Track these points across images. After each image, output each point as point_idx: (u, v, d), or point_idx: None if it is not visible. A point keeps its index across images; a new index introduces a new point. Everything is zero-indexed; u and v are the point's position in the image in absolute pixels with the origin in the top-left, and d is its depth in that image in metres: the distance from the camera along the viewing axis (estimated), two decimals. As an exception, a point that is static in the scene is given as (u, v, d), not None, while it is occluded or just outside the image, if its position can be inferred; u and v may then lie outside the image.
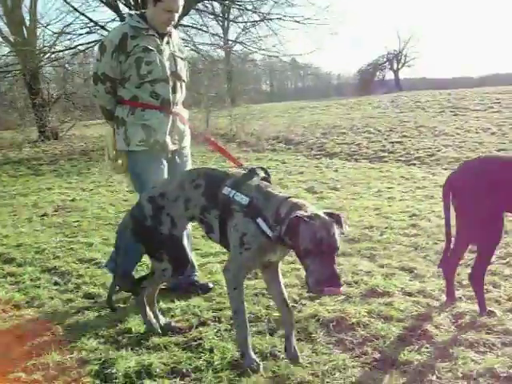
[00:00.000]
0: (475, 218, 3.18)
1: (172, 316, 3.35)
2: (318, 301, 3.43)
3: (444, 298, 3.40)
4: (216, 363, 2.73)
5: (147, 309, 3.09)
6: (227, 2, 14.79)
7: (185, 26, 15.56)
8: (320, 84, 54.33)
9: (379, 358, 2.74)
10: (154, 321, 3.11)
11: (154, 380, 2.62)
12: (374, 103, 20.27)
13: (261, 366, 2.63)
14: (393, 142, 11.11)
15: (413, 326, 3.04)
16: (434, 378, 2.53)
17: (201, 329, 3.12)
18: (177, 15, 3.64)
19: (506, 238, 4.54)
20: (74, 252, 4.84)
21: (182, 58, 3.78)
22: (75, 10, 15.76)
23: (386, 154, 10.08)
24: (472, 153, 9.59)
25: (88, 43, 16.48)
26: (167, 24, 3.62)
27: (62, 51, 17.05)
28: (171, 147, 3.67)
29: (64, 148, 14.50)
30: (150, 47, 3.55)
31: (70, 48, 16.52)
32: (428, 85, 34.88)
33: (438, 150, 10.00)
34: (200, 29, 15.81)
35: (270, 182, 2.77)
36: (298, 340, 2.90)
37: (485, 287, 3.42)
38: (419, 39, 65.41)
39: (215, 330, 3.09)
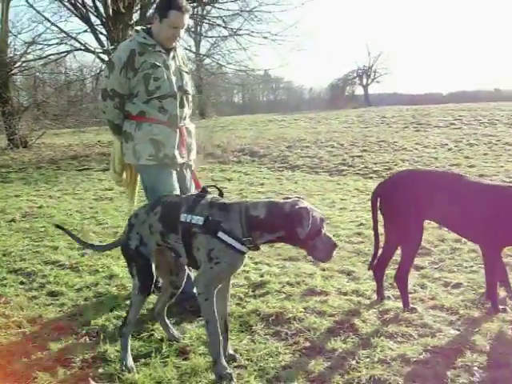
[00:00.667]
0: (398, 225, 3.60)
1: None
2: (261, 298, 3.80)
3: (375, 296, 3.79)
4: (164, 350, 3.09)
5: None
6: (198, 17, 15.11)
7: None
8: (292, 98, 54.92)
9: (309, 347, 3.12)
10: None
11: (108, 364, 2.96)
12: (341, 118, 20.81)
13: (233, 374, 2.75)
14: (353, 156, 11.57)
15: (342, 320, 3.42)
16: (353, 362, 2.91)
17: (153, 322, 3.45)
18: (182, 31, 3.70)
19: (440, 246, 4.98)
20: (40, 255, 5.11)
21: (187, 72, 3.85)
22: (47, 20, 15.99)
23: (346, 168, 10.51)
24: (425, 166, 10.08)
25: (59, 53, 16.70)
26: (173, 40, 3.67)
27: (32, 60, 17.21)
28: (180, 161, 3.73)
29: (33, 156, 14.61)
30: (158, 63, 3.59)
31: (41, 57, 16.70)
32: (399, 100, 35.58)
33: (395, 165, 10.47)
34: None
35: (222, 197, 2.98)
36: (239, 332, 3.27)
37: (413, 288, 3.86)
38: (389, 55, 66.53)
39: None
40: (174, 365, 2.92)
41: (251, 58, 16.13)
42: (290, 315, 3.47)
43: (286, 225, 2.68)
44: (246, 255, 2.84)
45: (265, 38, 14.78)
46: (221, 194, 3.00)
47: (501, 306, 3.52)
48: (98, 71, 16.06)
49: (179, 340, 3.22)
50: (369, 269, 3.88)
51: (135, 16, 14.40)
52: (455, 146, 12.31)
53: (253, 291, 3.99)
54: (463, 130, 15.07)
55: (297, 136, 14.90)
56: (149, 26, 3.76)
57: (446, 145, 12.55)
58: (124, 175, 3.97)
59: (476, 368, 2.82)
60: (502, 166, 9.84)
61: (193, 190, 3.77)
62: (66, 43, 16.39)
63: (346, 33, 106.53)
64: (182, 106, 3.71)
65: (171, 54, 3.71)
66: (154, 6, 3.72)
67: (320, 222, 2.70)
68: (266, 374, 2.82)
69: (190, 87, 3.84)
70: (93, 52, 14.81)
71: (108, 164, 11.25)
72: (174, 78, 3.67)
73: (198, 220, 2.76)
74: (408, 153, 11.79)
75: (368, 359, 2.94)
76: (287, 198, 2.81)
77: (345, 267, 4.47)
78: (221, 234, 2.70)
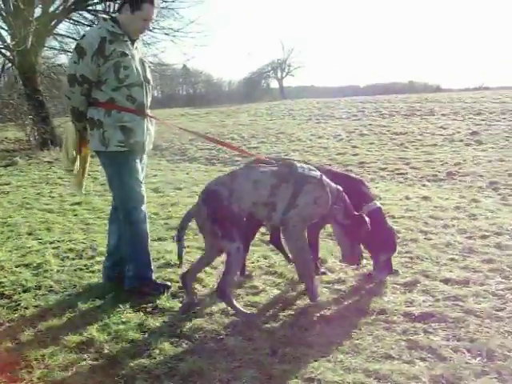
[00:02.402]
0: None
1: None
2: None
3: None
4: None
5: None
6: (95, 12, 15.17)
7: (60, 35, 15.87)
8: (211, 91, 55.17)
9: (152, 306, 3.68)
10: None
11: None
12: (252, 111, 21.44)
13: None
14: (250, 148, 12.22)
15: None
16: (194, 314, 3.49)
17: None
18: (150, 24, 3.86)
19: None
20: None
21: (147, 63, 3.95)
22: None
23: (240, 159, 11.13)
24: (315, 157, 10.86)
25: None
26: (142, 32, 3.83)
27: None
28: (146, 148, 3.91)
29: None
30: (127, 52, 3.69)
31: None
32: (316, 93, 36.70)
33: (286, 154, 11.18)
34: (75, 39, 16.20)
35: None
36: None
37: (257, 258, 4.45)
38: (302, 50, 68.26)
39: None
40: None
41: (156, 55, 16.29)
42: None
43: None
44: None
45: (166, 34, 15.06)
46: None
47: (322, 270, 4.20)
48: (-1, 67, 15.83)
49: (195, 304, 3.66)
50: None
51: (37, 11, 14.38)
52: (347, 137, 13.18)
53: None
54: (362, 121, 15.99)
55: (202, 129, 15.40)
56: (113, 15, 3.86)
57: (339, 135, 13.41)
58: (77, 163, 4.03)
59: (283, 317, 3.46)
60: (382, 154, 10.73)
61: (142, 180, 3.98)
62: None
63: (263, 27, 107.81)
64: (146, 95, 3.83)
65: (135, 45, 3.82)
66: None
67: None
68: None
69: (151, 77, 3.93)
70: (-5, 48, 14.67)
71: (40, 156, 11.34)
72: (139, 68, 3.78)
73: None
74: (301, 143, 12.56)
75: (194, 314, 3.55)
76: None
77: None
78: None
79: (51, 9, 14.62)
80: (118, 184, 3.85)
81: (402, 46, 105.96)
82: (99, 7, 15.03)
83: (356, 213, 3.68)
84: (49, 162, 11.84)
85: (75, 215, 6.63)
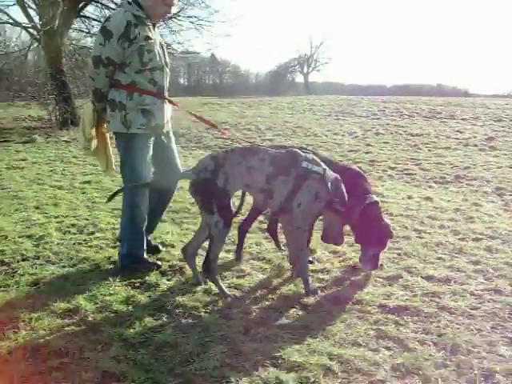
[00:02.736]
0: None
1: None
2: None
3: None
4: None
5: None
6: None
7: (87, 17, 16.11)
8: (238, 82, 55.38)
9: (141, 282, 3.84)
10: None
11: None
12: (273, 104, 21.55)
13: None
14: (265, 139, 12.33)
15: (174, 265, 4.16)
16: (175, 295, 3.65)
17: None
18: (173, 9, 3.97)
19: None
20: None
21: (165, 47, 4.07)
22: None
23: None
24: (327, 152, 10.93)
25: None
26: (163, 16, 3.96)
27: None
28: (166, 129, 4.05)
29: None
30: (150, 36, 3.79)
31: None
32: (342, 90, 36.63)
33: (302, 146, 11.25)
34: (101, 22, 16.44)
35: None
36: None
37: (250, 245, 4.58)
38: (331, 45, 67.81)
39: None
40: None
41: (182, 43, 16.46)
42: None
43: None
44: None
45: (191, 22, 15.24)
46: None
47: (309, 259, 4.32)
48: (26, 47, 16.17)
49: (202, 284, 3.78)
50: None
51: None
52: (362, 135, 13.23)
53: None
54: (380, 120, 16.04)
55: (221, 119, 15.58)
56: None
57: (355, 133, 13.46)
58: (94, 142, 4.14)
59: (262, 300, 3.60)
60: (394, 154, 10.77)
61: (176, 154, 4.25)
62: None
63: (291, 20, 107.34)
64: (166, 78, 3.97)
65: (155, 29, 3.94)
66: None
67: None
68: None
69: (169, 60, 4.05)
70: (23, 27, 14.97)
71: (37, 136, 11.67)
72: (160, 51, 3.89)
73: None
74: (316, 138, 12.63)
75: (180, 291, 3.71)
76: None
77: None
78: None
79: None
80: (130, 167, 3.96)
81: (434, 48, 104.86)
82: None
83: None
84: (66, 142, 12.11)
85: (83, 193, 6.84)
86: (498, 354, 2.99)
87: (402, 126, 14.45)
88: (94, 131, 4.12)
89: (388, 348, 3.02)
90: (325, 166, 3.67)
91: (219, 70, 56.15)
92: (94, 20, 15.86)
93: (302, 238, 3.70)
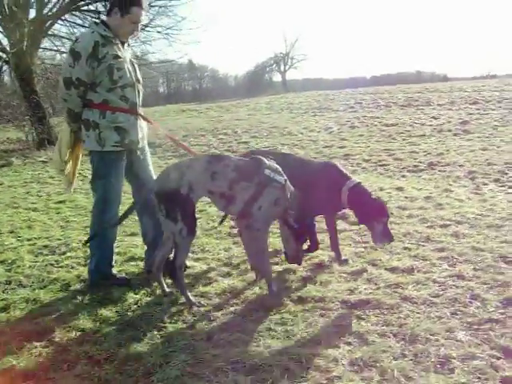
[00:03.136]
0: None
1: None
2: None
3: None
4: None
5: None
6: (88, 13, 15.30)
7: (55, 35, 16.07)
8: (217, 86, 55.46)
9: (107, 297, 3.89)
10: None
11: None
12: (251, 105, 21.58)
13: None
14: (240, 142, 12.41)
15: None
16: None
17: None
18: (139, 26, 3.99)
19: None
20: None
21: (136, 63, 4.12)
22: None
23: (230, 153, 11.28)
24: (303, 150, 11.01)
25: None
26: (131, 34, 3.96)
27: None
28: (140, 145, 4.07)
29: None
30: (119, 54, 3.84)
31: None
32: (325, 86, 36.68)
33: (275, 148, 11.34)
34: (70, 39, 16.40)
35: None
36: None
37: (219, 251, 4.63)
38: (305, 42, 67.76)
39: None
40: None
41: (154, 52, 16.51)
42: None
43: None
44: None
45: (159, 32, 15.25)
46: None
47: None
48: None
49: (171, 296, 3.83)
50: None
51: (31, 12, 14.61)
52: (338, 129, 13.31)
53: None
54: (357, 112, 16.10)
55: (198, 125, 15.62)
56: (103, 18, 4.02)
57: (330, 128, 13.54)
58: (69, 165, 4.19)
59: (227, 306, 3.66)
60: (368, 146, 10.86)
61: (151, 167, 4.26)
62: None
63: (264, 19, 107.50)
64: (138, 94, 4.01)
65: (125, 47, 3.99)
66: (111, 1, 3.93)
67: None
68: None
69: (140, 77, 4.10)
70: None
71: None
72: (131, 68, 3.96)
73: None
74: (292, 137, 12.69)
75: (147, 304, 3.77)
76: None
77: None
78: None
79: (45, 11, 14.81)
80: (103, 183, 4.01)
81: (411, 35, 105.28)
82: (91, 7, 15.19)
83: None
84: (43, 162, 12.11)
85: (58, 213, 6.88)
86: (455, 339, 3.06)
87: (377, 118, 14.53)
88: (69, 152, 4.17)
89: (348, 343, 3.08)
90: (285, 177, 3.74)
91: (198, 76, 56.26)
92: (63, 37, 15.83)
93: (262, 240, 3.75)
